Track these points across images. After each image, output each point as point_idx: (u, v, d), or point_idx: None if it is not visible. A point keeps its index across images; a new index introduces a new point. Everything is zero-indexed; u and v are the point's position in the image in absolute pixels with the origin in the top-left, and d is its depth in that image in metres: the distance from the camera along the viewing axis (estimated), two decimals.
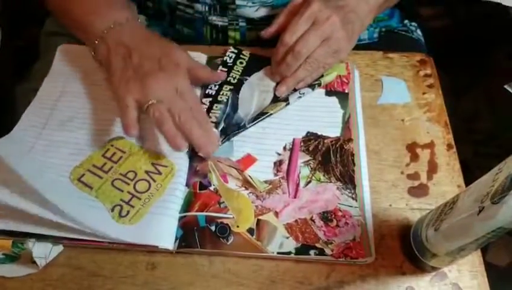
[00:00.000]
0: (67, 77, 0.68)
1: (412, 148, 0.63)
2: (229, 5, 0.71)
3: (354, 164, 0.60)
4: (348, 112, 0.65)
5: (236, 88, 0.67)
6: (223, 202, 0.57)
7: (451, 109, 0.68)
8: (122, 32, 0.62)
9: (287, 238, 0.54)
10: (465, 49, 1.23)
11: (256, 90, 0.67)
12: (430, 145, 0.63)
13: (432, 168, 0.61)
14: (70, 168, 0.58)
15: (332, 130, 0.63)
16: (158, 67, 0.59)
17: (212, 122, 0.63)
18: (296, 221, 0.56)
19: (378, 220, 0.57)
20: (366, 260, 0.53)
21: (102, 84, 0.67)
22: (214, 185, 0.58)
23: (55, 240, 0.53)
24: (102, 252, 0.54)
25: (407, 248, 0.54)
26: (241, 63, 0.70)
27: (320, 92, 0.67)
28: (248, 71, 0.69)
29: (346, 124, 0.64)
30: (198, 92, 0.66)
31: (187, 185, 0.58)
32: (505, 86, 0.83)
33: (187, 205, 0.56)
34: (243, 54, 0.71)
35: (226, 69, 0.69)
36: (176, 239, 0.54)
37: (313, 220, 0.56)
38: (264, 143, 0.62)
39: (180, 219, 0.55)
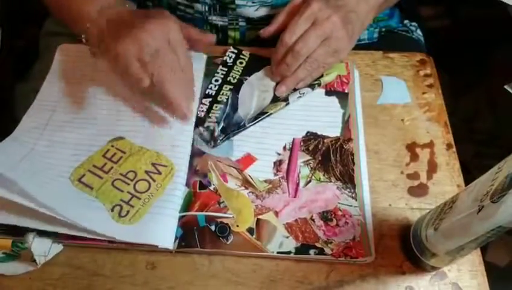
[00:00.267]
0: (67, 77, 0.68)
1: (411, 148, 0.63)
2: (228, 4, 0.71)
3: (353, 164, 0.60)
4: (348, 112, 0.65)
5: (236, 88, 0.67)
6: (223, 202, 0.57)
7: (451, 109, 0.68)
8: (111, 13, 0.61)
9: (287, 237, 0.54)
10: (465, 49, 1.23)
11: (256, 90, 0.67)
12: (430, 145, 0.63)
13: (432, 168, 0.61)
14: (70, 168, 0.58)
15: (332, 130, 0.63)
16: (148, 20, 0.58)
17: (212, 122, 0.63)
18: (296, 220, 0.56)
19: (378, 220, 0.57)
20: (365, 259, 0.53)
21: (103, 85, 0.67)
22: (213, 184, 0.58)
23: (55, 238, 0.53)
24: (102, 252, 0.54)
25: (406, 247, 0.54)
26: (241, 63, 0.70)
27: (320, 91, 0.67)
28: (248, 71, 0.69)
29: (346, 123, 0.64)
30: (198, 91, 0.66)
31: (187, 184, 0.58)
32: (505, 86, 0.83)
33: (187, 205, 0.57)
34: (243, 54, 0.71)
35: (226, 69, 0.69)
36: (176, 239, 0.54)
37: (313, 220, 0.56)
38: (264, 143, 0.62)
39: (180, 218, 0.55)
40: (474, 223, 0.42)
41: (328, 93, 0.67)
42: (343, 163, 0.60)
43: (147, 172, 0.58)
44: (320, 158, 0.61)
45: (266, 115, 0.64)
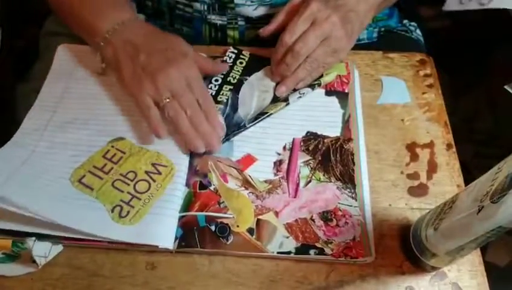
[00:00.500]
0: (67, 78, 0.68)
1: (411, 148, 0.63)
2: (227, 4, 0.71)
3: (353, 164, 0.60)
4: (348, 112, 0.65)
5: (236, 88, 0.67)
6: (223, 202, 0.57)
7: (451, 109, 0.68)
8: (125, 31, 0.62)
9: (287, 237, 0.54)
10: (465, 49, 1.23)
11: (256, 90, 0.67)
12: (430, 145, 0.63)
13: (432, 168, 0.61)
14: (71, 169, 0.58)
15: (332, 130, 0.63)
16: (166, 61, 0.60)
17: None
18: (296, 221, 0.56)
19: (378, 220, 0.57)
20: (365, 259, 0.53)
21: (103, 85, 0.67)
22: (213, 185, 0.58)
23: (54, 239, 0.53)
24: (102, 252, 0.54)
25: (406, 247, 0.54)
26: (241, 63, 0.70)
27: (320, 91, 0.67)
28: (248, 71, 0.69)
29: (346, 123, 0.64)
30: None
31: (187, 185, 0.58)
32: (505, 86, 0.83)
33: (187, 205, 0.57)
34: (243, 54, 0.71)
35: (227, 68, 0.69)
36: (176, 239, 0.54)
37: (313, 220, 0.56)
38: (264, 143, 0.62)
39: (180, 218, 0.55)
40: (474, 223, 0.42)
41: (328, 93, 0.67)
42: (343, 163, 0.60)
43: (147, 172, 0.58)
44: (320, 158, 0.61)
45: (266, 115, 0.64)
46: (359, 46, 0.70)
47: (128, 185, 0.57)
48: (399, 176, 0.60)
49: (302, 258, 0.54)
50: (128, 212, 0.55)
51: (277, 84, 0.67)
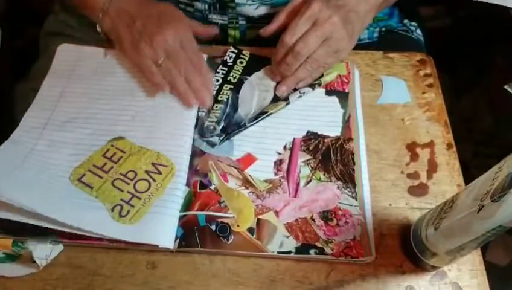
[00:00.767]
0: (67, 77, 0.68)
1: (412, 147, 0.63)
2: (228, 3, 0.71)
3: (354, 163, 0.60)
4: (348, 112, 0.65)
5: (237, 88, 0.67)
6: (223, 202, 0.57)
7: (450, 109, 0.68)
8: (121, 2, 0.67)
9: (287, 237, 0.54)
10: (465, 49, 1.24)
11: (257, 89, 0.67)
12: (430, 145, 0.63)
13: (432, 168, 0.61)
14: (70, 168, 0.58)
15: (332, 130, 0.63)
16: (160, 25, 0.64)
17: (212, 121, 0.63)
18: (296, 220, 0.56)
19: (378, 219, 0.57)
20: (366, 259, 0.53)
21: (102, 84, 0.67)
22: (214, 184, 0.58)
23: (54, 238, 0.53)
24: (102, 252, 0.54)
25: (407, 247, 0.54)
26: (241, 62, 0.70)
27: (320, 91, 0.67)
28: (248, 71, 0.69)
29: (346, 123, 0.64)
30: None
31: (187, 184, 0.58)
32: (505, 86, 0.83)
33: (187, 205, 0.57)
34: (243, 54, 0.71)
35: (226, 69, 0.69)
36: (176, 238, 0.54)
37: (313, 219, 0.56)
38: (264, 142, 0.62)
39: (181, 218, 0.55)
40: (474, 222, 0.42)
41: (329, 93, 0.67)
42: (344, 163, 0.60)
43: (147, 172, 0.58)
44: (320, 158, 0.61)
45: (266, 114, 0.64)
46: (360, 46, 0.70)
47: (128, 184, 0.57)
48: (399, 176, 0.60)
49: (302, 257, 0.54)
50: (128, 211, 0.55)
51: (277, 84, 0.67)
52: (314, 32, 0.61)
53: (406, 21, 0.83)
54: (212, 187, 0.58)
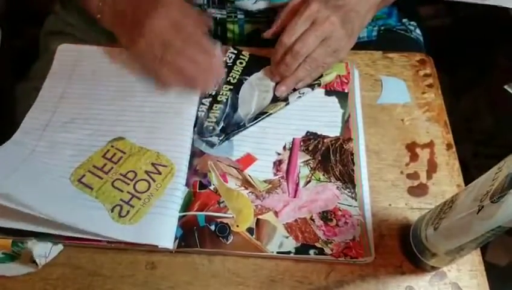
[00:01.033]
0: (67, 78, 0.68)
1: (411, 147, 0.63)
2: None
3: (353, 164, 0.60)
4: (348, 112, 0.65)
5: (236, 88, 0.67)
6: (223, 202, 0.57)
7: (450, 109, 0.68)
8: None
9: (287, 237, 0.54)
10: (465, 48, 1.23)
11: (256, 90, 0.67)
12: (430, 145, 0.63)
13: (432, 168, 0.61)
14: (71, 169, 0.58)
15: (332, 130, 0.63)
16: (149, 10, 0.61)
17: (212, 122, 0.63)
18: (295, 220, 0.56)
19: (378, 220, 0.57)
20: (365, 259, 0.53)
21: (103, 85, 0.67)
22: (213, 184, 0.58)
23: (55, 239, 0.53)
24: (102, 252, 0.54)
25: (406, 247, 0.54)
26: (240, 63, 0.70)
27: (319, 91, 0.67)
28: (248, 71, 0.69)
29: (346, 123, 0.64)
30: (198, 91, 0.66)
31: (187, 184, 0.58)
32: (505, 86, 0.83)
33: (187, 205, 0.57)
34: (243, 55, 0.71)
35: (225, 70, 0.69)
36: (176, 238, 0.54)
37: (313, 220, 0.56)
38: (264, 143, 0.62)
39: (180, 218, 0.55)
40: (474, 223, 0.42)
41: (328, 93, 0.67)
42: (343, 163, 0.60)
43: (147, 172, 0.58)
44: (320, 158, 0.61)
45: (266, 115, 0.64)
46: (359, 44, 0.70)
47: (128, 184, 0.57)
48: (399, 176, 0.60)
49: (301, 258, 0.54)
50: (128, 211, 0.55)
51: (277, 84, 0.67)
52: (313, 32, 0.61)
53: (404, 20, 0.83)
54: (212, 187, 0.58)
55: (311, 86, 0.67)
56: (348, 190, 0.58)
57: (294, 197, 0.58)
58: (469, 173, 0.60)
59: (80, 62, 0.70)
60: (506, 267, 1.07)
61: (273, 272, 0.53)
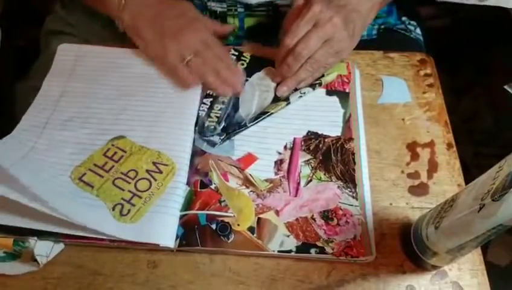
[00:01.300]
0: (67, 77, 0.68)
1: (412, 147, 0.63)
2: None
3: (354, 163, 0.60)
4: (349, 112, 0.65)
5: None
6: (224, 201, 0.57)
7: (450, 109, 0.68)
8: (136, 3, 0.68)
9: (288, 236, 0.54)
10: (465, 49, 1.24)
11: (257, 90, 0.67)
12: (431, 145, 0.63)
13: (432, 167, 0.61)
14: (71, 167, 0.58)
15: (333, 130, 0.63)
16: (183, 24, 0.67)
17: (213, 121, 0.64)
18: (296, 219, 0.56)
19: (379, 219, 0.57)
20: (366, 258, 0.53)
21: (103, 84, 0.67)
22: (214, 183, 0.58)
23: (56, 237, 0.53)
24: (103, 251, 0.54)
25: (407, 246, 0.54)
26: (242, 64, 0.70)
27: (320, 91, 0.67)
28: (249, 72, 0.69)
29: (347, 123, 0.64)
30: (199, 91, 0.66)
31: (188, 183, 0.58)
32: (505, 86, 0.83)
33: (188, 204, 0.57)
34: (244, 56, 0.71)
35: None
36: (177, 237, 0.54)
37: (314, 219, 0.56)
38: (265, 142, 0.62)
39: (181, 217, 0.55)
40: (475, 221, 0.42)
41: (329, 93, 0.67)
42: (344, 162, 0.60)
43: (147, 171, 0.58)
44: (321, 157, 0.61)
45: (267, 114, 0.64)
46: (359, 43, 0.69)
47: (129, 183, 0.57)
48: (399, 175, 0.61)
49: (302, 257, 0.54)
50: (129, 210, 0.55)
51: (278, 84, 0.67)
52: (315, 33, 0.61)
53: (404, 18, 0.83)
54: (213, 186, 0.58)
55: (312, 85, 0.67)
56: (349, 189, 0.58)
57: (295, 196, 0.58)
58: (469, 173, 0.60)
59: (80, 61, 0.70)
60: (507, 267, 1.07)
61: (274, 271, 0.53)
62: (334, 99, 0.67)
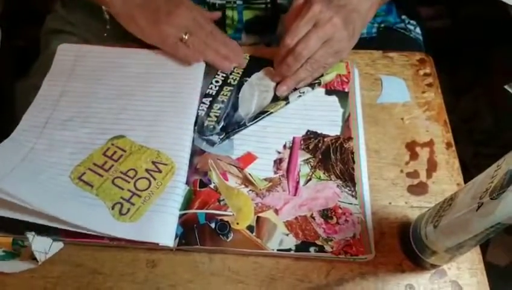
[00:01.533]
0: (67, 76, 0.68)
1: (411, 146, 0.63)
2: None
3: (353, 162, 0.60)
4: (348, 111, 0.65)
5: (237, 88, 0.67)
6: (223, 200, 0.57)
7: (450, 109, 0.68)
8: None
9: (287, 235, 0.54)
10: (464, 48, 1.24)
11: (257, 89, 0.68)
12: (430, 144, 0.63)
13: (431, 167, 0.61)
14: (71, 167, 0.58)
15: (332, 129, 0.64)
16: (172, 6, 0.67)
17: (212, 120, 0.64)
18: (296, 218, 0.56)
19: (378, 218, 0.57)
20: (365, 257, 0.53)
21: (102, 84, 0.67)
22: (213, 182, 0.58)
23: (55, 234, 0.53)
24: (103, 250, 0.54)
25: (406, 245, 0.54)
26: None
27: (320, 91, 0.67)
28: (248, 73, 0.69)
29: (346, 122, 0.64)
30: (198, 91, 0.67)
31: (187, 183, 0.58)
32: (505, 86, 0.83)
33: (187, 203, 0.57)
34: (244, 57, 0.71)
35: (226, 73, 0.69)
36: (176, 236, 0.54)
37: (313, 218, 0.56)
38: (264, 141, 0.62)
39: (180, 216, 0.55)
40: (473, 220, 0.42)
41: (328, 92, 0.67)
42: (343, 161, 0.60)
43: (147, 170, 0.58)
44: (320, 157, 0.61)
45: (266, 114, 0.64)
46: (359, 41, 0.69)
47: (129, 182, 0.57)
48: (399, 175, 0.61)
49: (302, 255, 0.54)
50: (128, 209, 0.55)
51: (277, 83, 0.67)
52: (315, 33, 0.61)
53: (404, 17, 0.83)
54: (212, 186, 0.58)
55: (312, 85, 0.67)
56: (348, 188, 0.58)
57: (295, 195, 0.58)
58: (469, 173, 0.60)
59: (80, 61, 0.70)
60: (506, 267, 1.07)
61: (273, 270, 0.53)
62: (334, 98, 0.67)
